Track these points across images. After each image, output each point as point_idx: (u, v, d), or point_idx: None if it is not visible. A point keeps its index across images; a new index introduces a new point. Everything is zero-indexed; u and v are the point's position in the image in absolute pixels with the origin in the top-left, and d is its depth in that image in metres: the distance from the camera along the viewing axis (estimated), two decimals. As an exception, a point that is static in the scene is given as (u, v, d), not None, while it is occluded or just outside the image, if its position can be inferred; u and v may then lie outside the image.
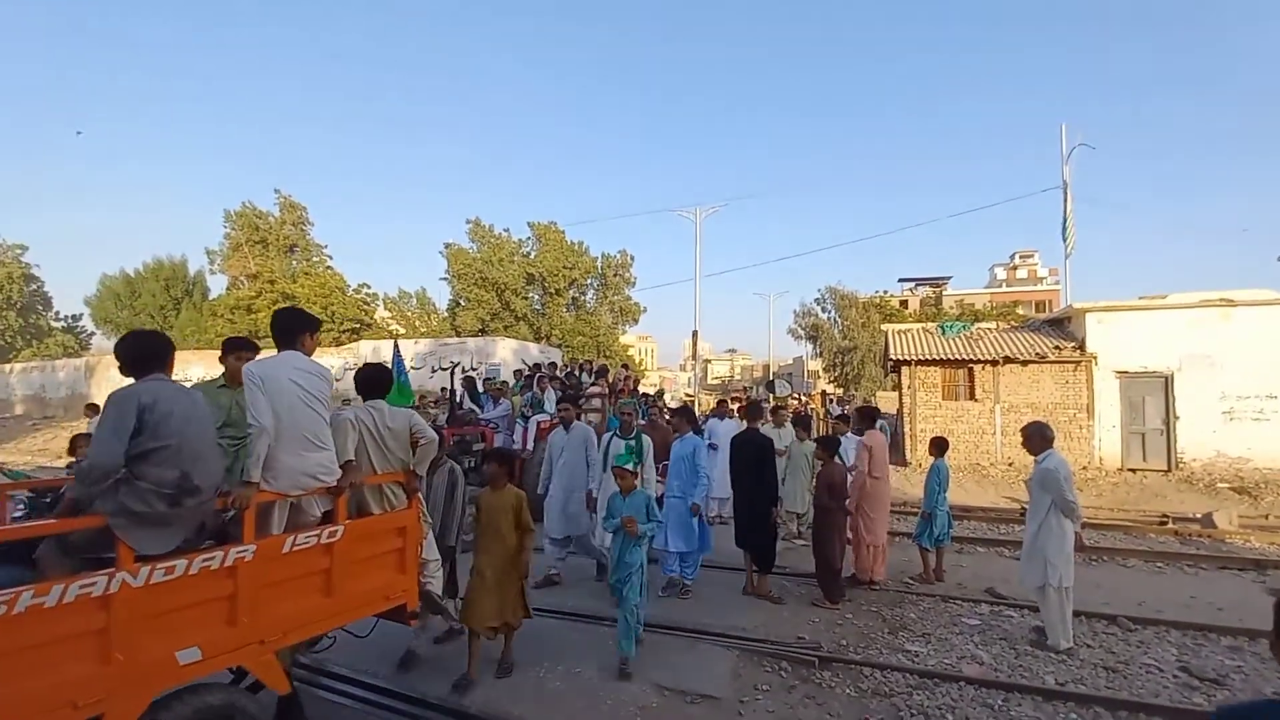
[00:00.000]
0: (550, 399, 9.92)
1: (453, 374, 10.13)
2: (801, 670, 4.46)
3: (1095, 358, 14.72)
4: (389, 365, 4.58)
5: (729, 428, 9.25)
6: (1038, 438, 4.99)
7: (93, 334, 40.48)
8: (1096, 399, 14.71)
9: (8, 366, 32.61)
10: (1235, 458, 13.62)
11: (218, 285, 36.32)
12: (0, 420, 27.69)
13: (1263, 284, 14.48)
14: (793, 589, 6.29)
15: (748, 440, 6.25)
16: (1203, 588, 6.73)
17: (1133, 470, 14.29)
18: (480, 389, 11.54)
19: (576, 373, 12.68)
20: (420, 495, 3.85)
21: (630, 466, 4.56)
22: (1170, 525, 9.91)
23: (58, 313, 42.21)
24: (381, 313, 35.52)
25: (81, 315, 40.71)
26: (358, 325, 31.75)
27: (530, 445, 9.11)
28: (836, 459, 6.30)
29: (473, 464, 8.02)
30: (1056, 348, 15.25)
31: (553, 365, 13.05)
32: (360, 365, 4.03)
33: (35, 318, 40.56)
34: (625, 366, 15.44)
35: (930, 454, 7.17)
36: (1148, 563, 7.70)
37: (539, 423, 9.33)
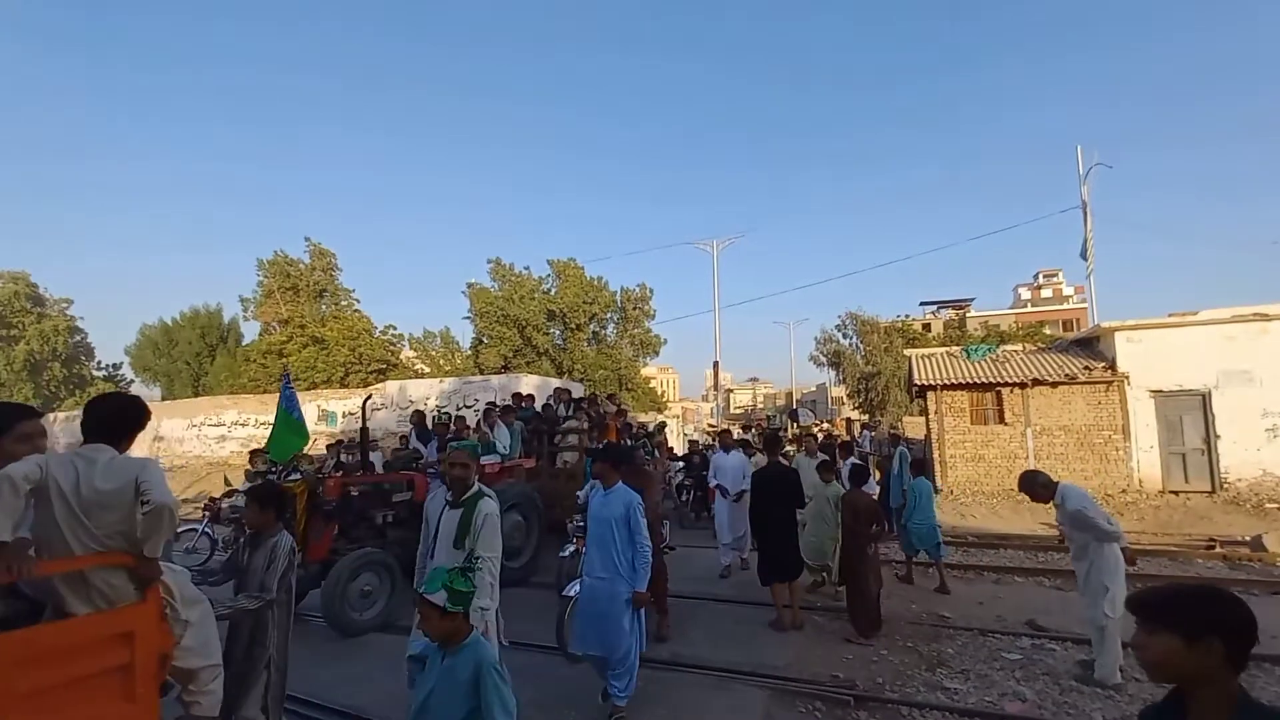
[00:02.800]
0: (504, 436, 8.31)
1: (364, 407, 8.09)
2: (836, 710, 4.37)
3: (1127, 377, 14.40)
4: (135, 396, 2.95)
5: (736, 462, 8.25)
6: (1038, 486, 4.83)
7: (132, 382, 41.78)
8: (1131, 419, 14.33)
9: (53, 416, 33.76)
10: (1283, 476, 13.12)
11: (251, 331, 37.43)
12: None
13: (1298, 296, 14.13)
14: (825, 624, 6.18)
15: (775, 476, 6.20)
16: (1256, 615, 6.44)
17: (1174, 492, 13.82)
18: (429, 425, 9.76)
19: (553, 404, 10.76)
20: (167, 583, 2.74)
21: (442, 598, 2.28)
22: (1218, 549, 9.56)
23: (99, 362, 43.71)
24: (407, 353, 36.15)
25: (121, 364, 42.10)
26: (384, 366, 32.34)
27: None
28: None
29: (389, 519, 6.78)
30: (1086, 368, 14.96)
31: (517, 395, 11.27)
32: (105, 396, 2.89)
33: (79, 368, 42.03)
34: (611, 397, 12.93)
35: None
36: (1196, 590, 7.41)
37: (483, 466, 7.86)
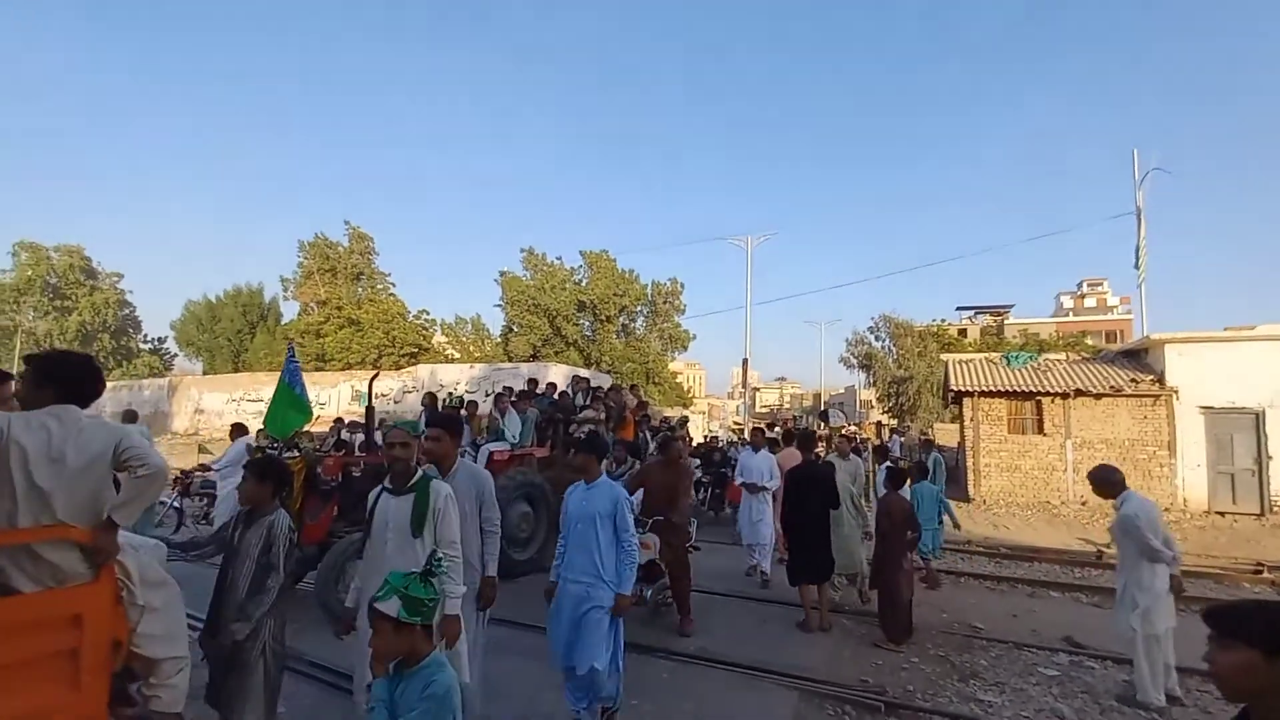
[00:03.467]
0: (514, 424, 8.05)
1: (370, 386, 7.80)
2: (866, 716, 4.31)
3: (1176, 392, 13.89)
4: (90, 355, 2.82)
5: (762, 462, 7.83)
6: (1106, 483, 4.73)
7: (175, 355, 43.33)
8: (1178, 436, 13.84)
9: (100, 385, 35.18)
10: (1340, 502, 12.54)
11: (290, 311, 38.49)
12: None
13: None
14: (853, 628, 6.10)
15: (808, 474, 6.11)
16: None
17: (1221, 513, 13.32)
18: (439, 408, 9.34)
19: (570, 393, 10.33)
20: (124, 563, 2.48)
21: (395, 607, 1.93)
22: (1266, 574, 9.17)
23: (145, 335, 45.40)
24: (438, 338, 36.72)
25: (166, 338, 43.69)
26: (416, 350, 32.91)
27: None
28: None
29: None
30: (1133, 380, 14.47)
31: (533, 381, 10.90)
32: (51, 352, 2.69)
33: (126, 340, 43.69)
34: (633, 388, 12.56)
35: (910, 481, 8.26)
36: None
37: (491, 454, 7.51)
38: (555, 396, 10.33)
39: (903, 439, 21.92)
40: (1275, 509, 12.95)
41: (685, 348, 36.98)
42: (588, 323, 34.65)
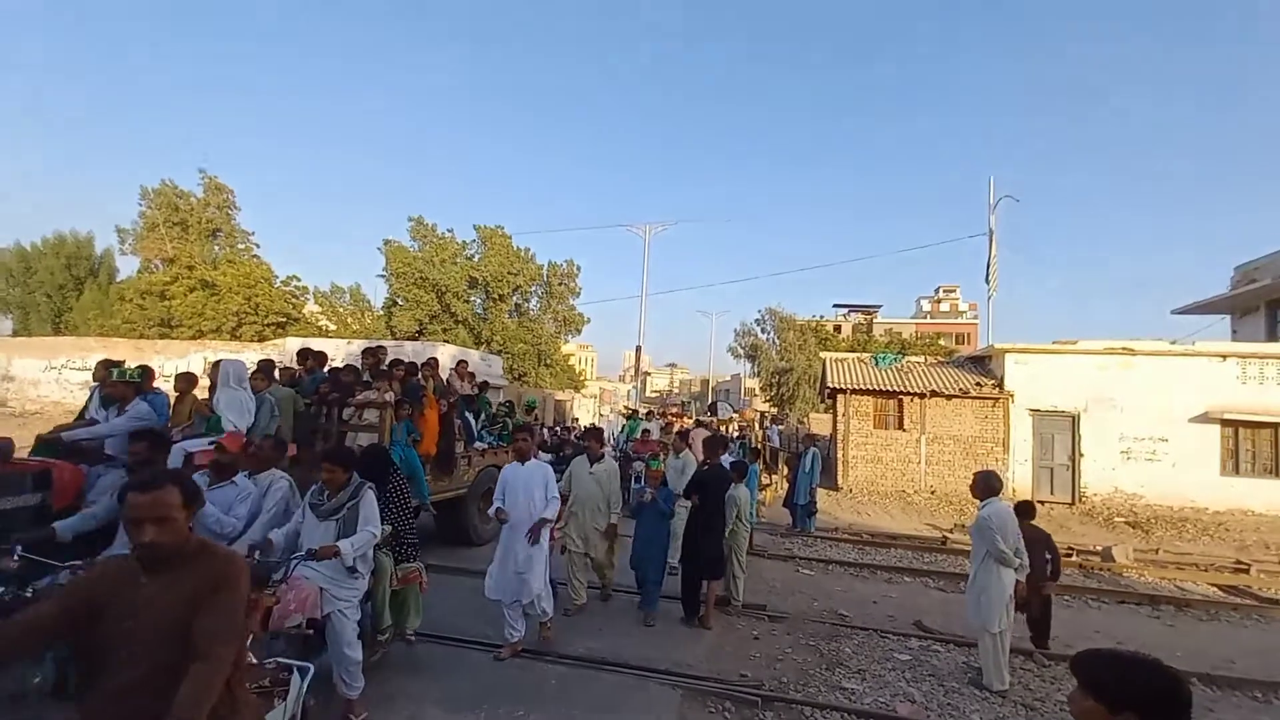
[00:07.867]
0: (237, 410, 5.47)
1: None
2: (745, 710, 4.48)
3: (1012, 395, 15.73)
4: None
5: (534, 475, 5.20)
6: (981, 486, 5.26)
7: (-25, 310, 36.61)
8: (1012, 433, 15.70)
9: None
10: (1130, 494, 14.84)
11: (128, 267, 33.68)
12: None
13: (1159, 335, 15.92)
14: (733, 622, 6.34)
15: (711, 478, 6.20)
16: (1106, 622, 7.27)
17: (1041, 502, 15.26)
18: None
19: (359, 368, 7.97)
20: None
21: None
22: (1075, 558, 10.64)
23: (-66, 284, 37.92)
24: (311, 307, 33.77)
25: (-37, 289, 36.71)
26: (284, 319, 30.07)
27: None
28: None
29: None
30: (978, 384, 16.20)
31: (304, 352, 8.29)
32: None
33: (-95, 288, 36.28)
34: (461, 363, 10.52)
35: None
36: (1056, 596, 8.19)
37: (190, 455, 4.80)
38: (327, 371, 7.93)
39: (781, 428, 23.17)
40: (1084, 499, 15.11)
41: (579, 331, 36.72)
42: (479, 300, 33.38)
